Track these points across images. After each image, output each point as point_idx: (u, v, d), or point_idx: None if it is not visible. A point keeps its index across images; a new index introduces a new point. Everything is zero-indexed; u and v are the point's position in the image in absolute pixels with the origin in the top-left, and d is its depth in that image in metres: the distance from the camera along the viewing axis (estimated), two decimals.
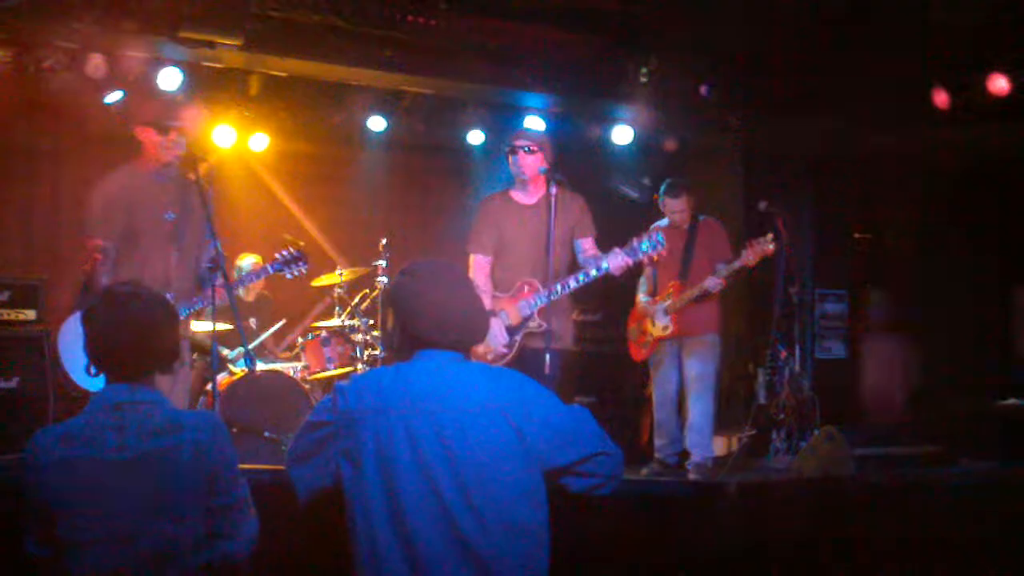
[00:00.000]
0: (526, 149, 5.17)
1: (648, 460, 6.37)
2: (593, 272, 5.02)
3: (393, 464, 2.50)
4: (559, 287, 4.98)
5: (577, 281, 5.01)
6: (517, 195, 5.30)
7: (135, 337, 2.59)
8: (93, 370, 2.64)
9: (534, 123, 7.41)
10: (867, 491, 4.28)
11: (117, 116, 5.67)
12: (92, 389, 4.88)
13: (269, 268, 5.19)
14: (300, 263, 5.13)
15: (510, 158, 5.23)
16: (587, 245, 5.24)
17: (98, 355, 2.63)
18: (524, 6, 6.55)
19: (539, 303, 4.97)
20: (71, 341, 4.77)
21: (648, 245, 4.96)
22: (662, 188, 6.42)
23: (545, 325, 4.92)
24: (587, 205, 5.31)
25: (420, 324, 2.65)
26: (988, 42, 6.51)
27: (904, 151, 7.50)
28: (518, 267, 5.12)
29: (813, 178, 7.88)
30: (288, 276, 5.23)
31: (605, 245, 5.23)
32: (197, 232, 4.86)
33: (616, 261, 4.98)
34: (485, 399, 2.58)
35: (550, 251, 4.89)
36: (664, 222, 6.43)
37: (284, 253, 5.13)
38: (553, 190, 4.92)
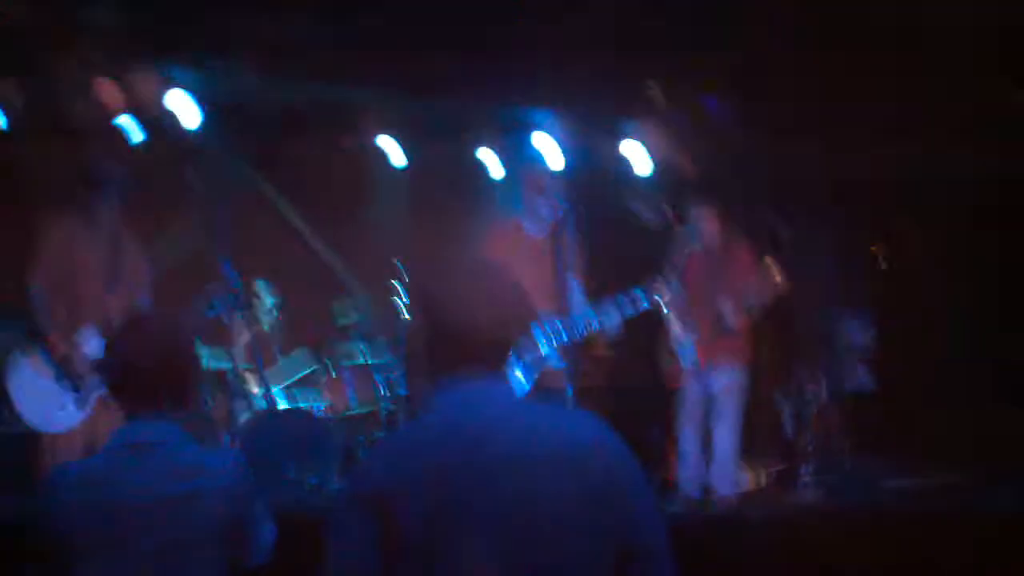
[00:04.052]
0: (559, 193, 5.15)
1: (672, 493, 6.27)
2: (596, 324, 5.05)
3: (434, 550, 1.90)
4: (581, 325, 4.98)
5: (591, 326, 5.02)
6: (530, 227, 5.27)
7: (158, 364, 2.43)
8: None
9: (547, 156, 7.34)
10: (896, 523, 4.20)
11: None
12: (48, 431, 4.97)
13: None
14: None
15: (537, 197, 5.19)
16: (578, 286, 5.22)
17: (119, 383, 2.46)
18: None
19: (554, 339, 4.89)
20: (23, 381, 5.00)
21: (647, 297, 5.05)
22: (690, 206, 6.30)
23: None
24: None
25: (452, 325, 2.02)
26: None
27: (925, 170, 7.39)
28: None
29: (833, 202, 7.75)
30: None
31: (619, 270, 5.16)
32: (130, 274, 5.32)
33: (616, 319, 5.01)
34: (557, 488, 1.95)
35: (561, 283, 4.98)
36: (695, 246, 6.25)
37: None
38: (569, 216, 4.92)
